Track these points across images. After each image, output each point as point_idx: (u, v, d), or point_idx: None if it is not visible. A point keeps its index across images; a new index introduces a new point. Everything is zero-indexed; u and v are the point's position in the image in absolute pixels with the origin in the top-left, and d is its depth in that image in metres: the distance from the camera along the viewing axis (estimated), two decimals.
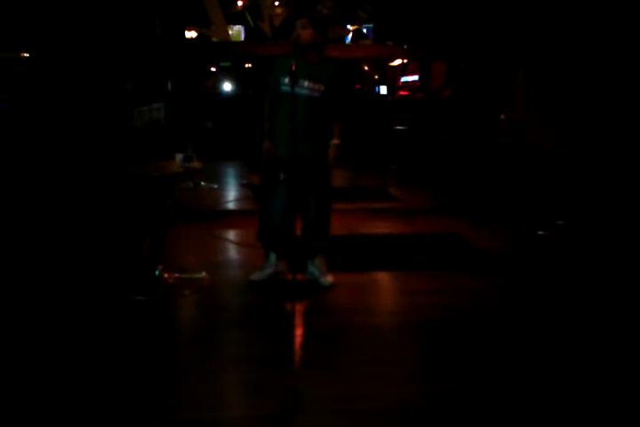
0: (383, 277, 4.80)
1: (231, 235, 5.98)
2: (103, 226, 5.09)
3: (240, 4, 15.50)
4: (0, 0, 6.09)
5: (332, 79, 4.17)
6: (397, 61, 14.25)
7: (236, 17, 15.56)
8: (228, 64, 14.98)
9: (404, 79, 14.38)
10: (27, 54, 6.56)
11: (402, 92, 13.83)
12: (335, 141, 4.19)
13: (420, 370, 3.24)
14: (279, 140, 4.16)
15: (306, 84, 4.09)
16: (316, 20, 4.16)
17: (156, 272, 4.35)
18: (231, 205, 7.09)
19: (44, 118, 6.10)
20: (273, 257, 4.42)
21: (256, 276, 4.45)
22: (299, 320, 3.75)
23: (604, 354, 3.38)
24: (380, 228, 6.27)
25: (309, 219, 4.28)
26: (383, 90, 14.50)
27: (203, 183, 7.80)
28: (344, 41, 15.22)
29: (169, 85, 10.34)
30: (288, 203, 4.15)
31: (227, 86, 14.09)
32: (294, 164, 4.00)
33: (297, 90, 4.00)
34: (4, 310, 3.89)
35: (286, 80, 4.01)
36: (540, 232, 5.78)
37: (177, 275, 4.46)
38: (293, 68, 3.86)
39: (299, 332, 3.60)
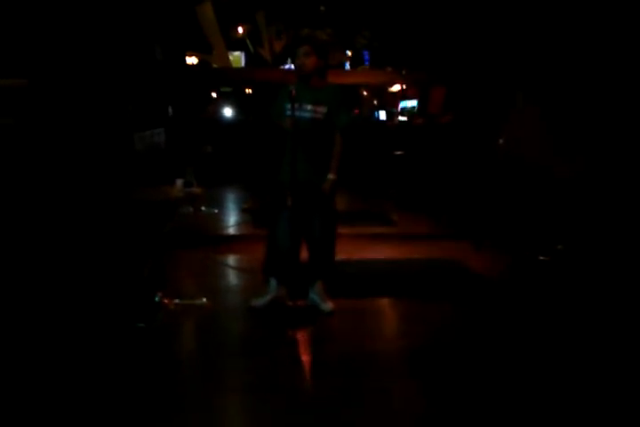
0: (383, 304, 4.77)
1: (232, 260, 5.95)
2: (104, 251, 5.06)
3: (241, 30, 15.68)
4: (1, 25, 6.14)
5: (335, 100, 4.19)
6: (396, 87, 14.35)
7: (237, 43, 15.73)
8: (228, 90, 15.09)
9: (402, 104, 14.47)
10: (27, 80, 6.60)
11: (401, 117, 13.90)
12: (332, 176, 4.16)
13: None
14: (284, 165, 4.18)
15: (309, 107, 4.13)
16: (318, 46, 4.19)
17: (156, 298, 4.31)
18: (231, 230, 7.07)
19: (45, 142, 6.11)
20: (273, 283, 4.39)
21: (256, 302, 4.42)
22: (300, 348, 3.71)
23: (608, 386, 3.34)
24: (380, 253, 6.23)
25: (315, 244, 4.28)
26: (382, 115, 14.60)
27: (203, 208, 7.78)
28: (343, 67, 15.35)
29: (170, 110, 10.39)
30: (294, 229, 4.13)
31: (227, 112, 14.18)
32: (299, 188, 4.00)
33: (300, 113, 4.05)
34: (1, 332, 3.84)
35: (289, 106, 4.04)
36: (542, 257, 5.75)
37: (177, 301, 4.42)
38: (293, 93, 3.94)
39: (301, 360, 3.55)
